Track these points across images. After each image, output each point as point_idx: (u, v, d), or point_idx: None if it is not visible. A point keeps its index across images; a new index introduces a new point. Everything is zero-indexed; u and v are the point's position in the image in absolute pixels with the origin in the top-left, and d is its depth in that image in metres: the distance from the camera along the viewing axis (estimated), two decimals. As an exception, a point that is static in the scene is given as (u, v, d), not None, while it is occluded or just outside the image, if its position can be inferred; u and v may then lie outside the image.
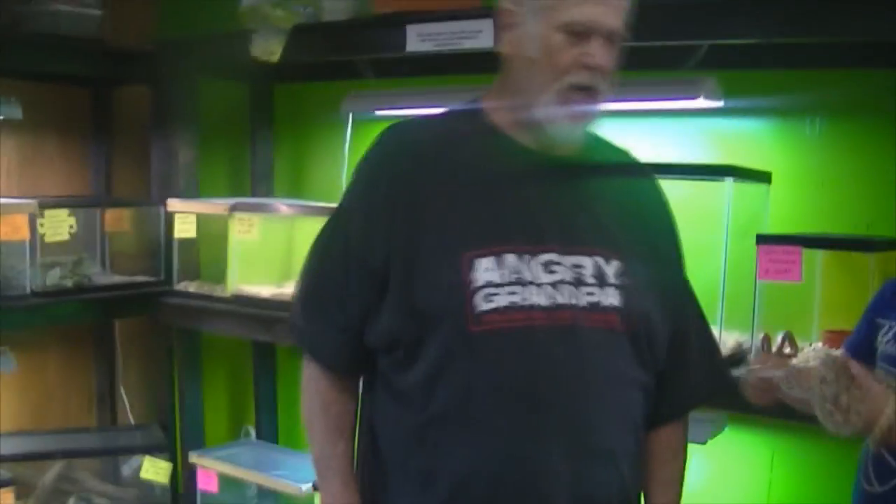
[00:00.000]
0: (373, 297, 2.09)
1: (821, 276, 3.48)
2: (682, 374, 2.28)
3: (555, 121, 2.07)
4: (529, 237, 2.06)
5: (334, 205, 4.62)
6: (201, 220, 4.80)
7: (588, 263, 2.08)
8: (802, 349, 3.46)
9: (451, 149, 2.16)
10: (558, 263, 2.05)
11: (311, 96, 5.26)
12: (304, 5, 4.36)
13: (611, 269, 2.09)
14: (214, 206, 4.68)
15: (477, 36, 3.83)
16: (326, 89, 5.04)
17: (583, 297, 2.05)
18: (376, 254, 2.07)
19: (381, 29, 4.14)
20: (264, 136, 5.25)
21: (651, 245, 2.22)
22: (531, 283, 2.02)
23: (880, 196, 3.65)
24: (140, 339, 5.43)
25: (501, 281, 2.01)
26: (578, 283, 2.06)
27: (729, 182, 3.35)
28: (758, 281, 3.31)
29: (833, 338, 3.47)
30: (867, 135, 3.75)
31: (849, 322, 3.36)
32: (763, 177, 3.60)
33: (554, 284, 2.04)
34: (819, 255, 3.43)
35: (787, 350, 3.40)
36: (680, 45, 3.53)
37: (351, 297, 2.14)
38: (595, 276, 2.07)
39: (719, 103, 3.68)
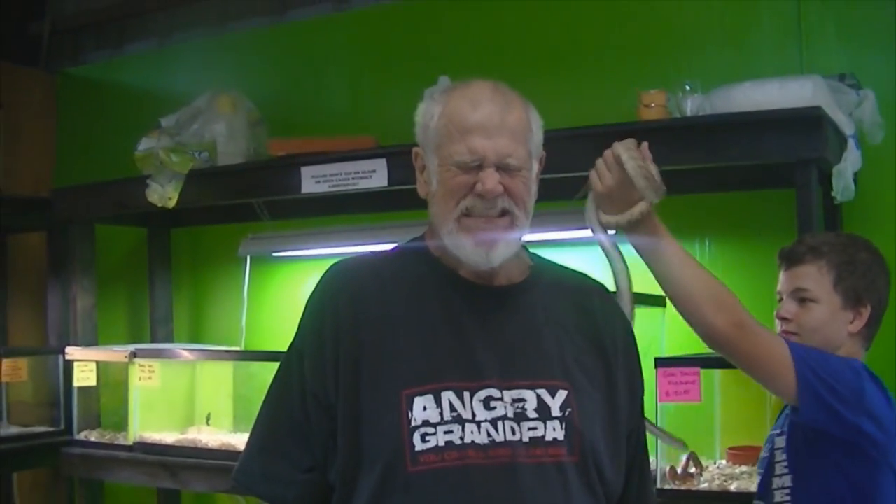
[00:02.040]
0: (332, 434, 2.09)
1: (720, 395, 3.54)
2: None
3: (461, 248, 2.06)
4: (468, 373, 2.02)
5: (235, 348, 4.68)
6: (101, 367, 4.74)
7: (530, 397, 2.04)
8: (707, 467, 3.51)
9: (391, 286, 2.14)
10: (498, 399, 2.02)
11: (208, 239, 5.28)
12: (199, 150, 4.40)
13: (556, 401, 2.05)
14: (114, 353, 4.63)
15: (371, 176, 3.88)
16: (224, 232, 5.06)
17: (524, 433, 2.01)
18: (328, 392, 2.06)
19: (277, 171, 4.20)
20: (163, 280, 5.24)
21: (606, 370, 2.16)
22: (469, 420, 1.99)
23: (772, 311, 3.74)
24: (40, 491, 5.31)
25: (438, 420, 1.98)
26: (520, 418, 2.02)
27: (625, 308, 3.40)
28: (658, 403, 3.35)
29: (736, 454, 3.52)
30: (756, 253, 3.86)
31: (750, 438, 3.43)
32: (658, 301, 3.66)
33: (493, 421, 2.00)
34: (717, 375, 3.49)
35: (693, 470, 3.44)
36: (570, 177, 3.61)
37: (313, 436, 2.10)
38: (538, 410, 2.03)
39: (611, 232, 3.75)
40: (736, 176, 3.79)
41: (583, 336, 2.16)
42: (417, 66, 4.61)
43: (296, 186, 4.07)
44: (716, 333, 2.29)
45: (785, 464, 2.57)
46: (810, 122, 3.17)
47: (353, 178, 3.93)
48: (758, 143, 3.26)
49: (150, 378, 4.46)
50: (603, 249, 2.43)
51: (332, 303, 2.13)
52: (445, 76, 4.03)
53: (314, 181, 4.02)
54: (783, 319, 2.62)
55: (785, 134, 3.19)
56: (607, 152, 2.30)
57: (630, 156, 2.29)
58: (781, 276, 2.67)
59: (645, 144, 2.35)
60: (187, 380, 4.69)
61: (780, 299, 2.67)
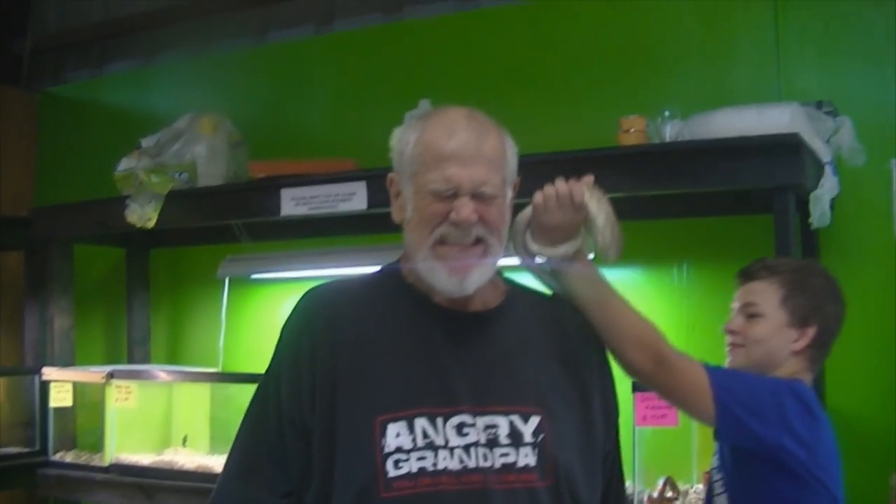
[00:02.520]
0: (309, 459, 2.08)
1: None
2: None
3: (435, 276, 2.08)
4: (442, 399, 2.03)
5: (213, 370, 4.66)
6: (78, 388, 4.72)
7: (503, 423, 2.05)
8: (685, 491, 3.52)
9: (367, 312, 2.15)
10: (471, 425, 2.03)
11: (187, 261, 5.27)
12: (179, 171, 4.39)
13: (529, 426, 2.06)
14: (91, 374, 4.61)
15: (351, 198, 3.89)
16: (203, 253, 5.06)
17: (497, 459, 2.02)
18: (305, 416, 2.07)
19: (256, 193, 4.20)
20: (141, 301, 5.22)
21: (581, 395, 2.17)
22: (442, 447, 2.00)
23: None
24: (15, 513, 5.27)
25: (411, 446, 1.99)
26: (492, 444, 2.03)
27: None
28: (636, 428, 3.36)
29: (712, 479, 3.53)
30: (732, 278, 3.87)
31: (726, 464, 3.43)
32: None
33: (466, 447, 2.01)
34: None
35: (669, 494, 3.45)
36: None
37: (291, 460, 2.11)
38: (510, 436, 2.04)
39: (589, 256, 3.77)
40: (714, 201, 3.81)
41: (558, 361, 2.17)
42: (398, 89, 4.63)
43: (275, 208, 4.08)
44: (636, 371, 2.30)
45: (721, 483, 2.60)
46: (788, 148, 3.19)
47: (332, 201, 3.94)
48: (736, 170, 3.28)
49: (126, 399, 4.45)
50: (531, 271, 2.40)
51: (308, 328, 2.14)
52: (426, 100, 4.04)
53: (294, 203, 4.02)
54: (730, 332, 2.66)
55: (763, 160, 3.21)
56: (563, 188, 2.20)
57: (601, 207, 2.22)
58: (736, 292, 2.71)
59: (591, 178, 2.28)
60: (164, 401, 4.67)
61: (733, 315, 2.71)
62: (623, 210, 3.14)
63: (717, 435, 2.40)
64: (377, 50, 4.89)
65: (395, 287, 2.18)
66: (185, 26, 5.57)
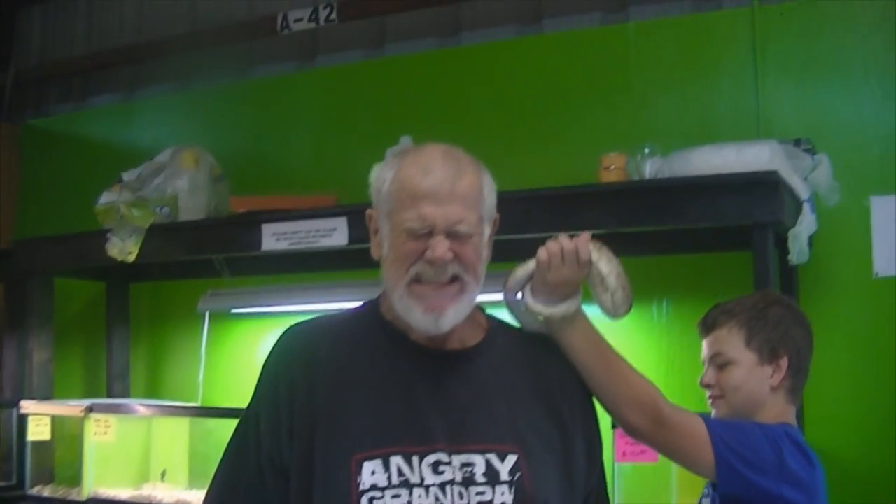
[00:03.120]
0: (287, 497, 2.07)
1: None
2: None
3: (410, 314, 2.07)
4: (418, 438, 2.03)
5: (192, 404, 4.65)
6: (56, 421, 4.69)
7: (479, 462, 2.04)
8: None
9: (345, 349, 2.15)
10: (447, 463, 2.02)
11: (167, 295, 5.27)
12: (160, 205, 4.39)
13: (505, 465, 2.05)
14: (69, 408, 4.59)
15: (332, 234, 3.89)
16: (183, 288, 5.05)
17: (473, 498, 2.01)
18: (283, 455, 2.07)
19: (237, 228, 4.20)
20: (121, 334, 5.21)
21: (562, 436, 2.17)
22: (417, 485, 2.00)
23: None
24: (-9, 549, 5.22)
25: (386, 484, 1.99)
26: (468, 483, 2.02)
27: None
28: (616, 464, 3.35)
29: (692, 513, 3.53)
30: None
31: (705, 498, 3.43)
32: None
33: (441, 486, 2.01)
34: None
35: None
36: (529, 238, 3.64)
37: (269, 498, 2.10)
38: (486, 475, 2.03)
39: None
40: (693, 238, 3.83)
41: (538, 401, 2.16)
42: (380, 125, 4.65)
43: (256, 243, 4.08)
44: (637, 432, 2.30)
45: None
46: (767, 186, 3.21)
47: (313, 236, 3.94)
48: (715, 207, 3.30)
49: (105, 433, 4.43)
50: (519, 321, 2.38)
51: (286, 366, 2.14)
52: (407, 136, 4.06)
53: (275, 238, 4.02)
54: (706, 386, 2.64)
55: (742, 197, 3.23)
56: (569, 245, 2.17)
57: (611, 266, 2.19)
58: (703, 344, 2.69)
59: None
60: (143, 435, 4.65)
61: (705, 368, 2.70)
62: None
63: (717, 487, 2.39)
64: (359, 86, 4.91)
65: (374, 325, 2.18)
66: (168, 60, 5.58)
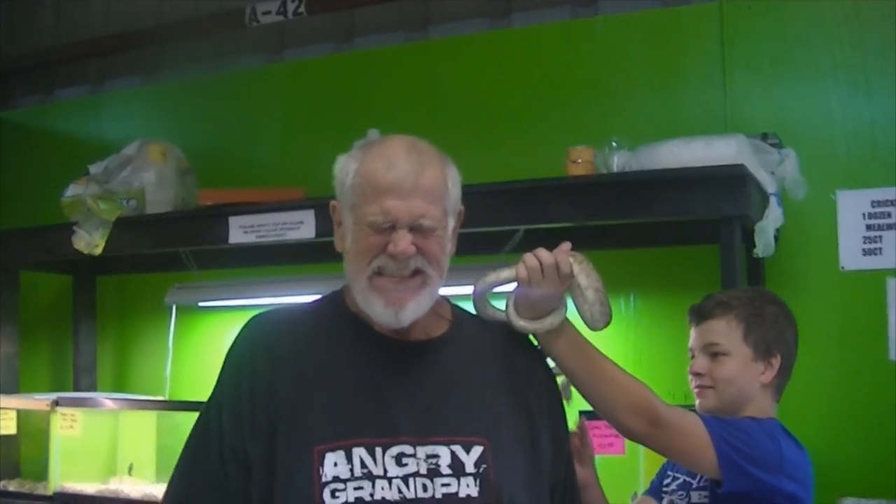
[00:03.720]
0: (249, 488, 2.06)
1: (643, 448, 3.56)
2: None
3: (371, 307, 2.07)
4: (381, 429, 2.03)
5: (160, 398, 4.63)
6: (22, 415, 4.67)
7: (444, 453, 2.04)
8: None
9: (308, 341, 2.15)
10: (411, 455, 2.02)
11: (134, 288, 5.24)
12: (127, 198, 4.37)
13: (471, 456, 2.05)
14: (36, 402, 4.56)
15: (299, 227, 3.89)
16: (150, 281, 5.03)
17: (438, 489, 2.01)
18: (246, 446, 2.06)
19: (204, 221, 4.19)
20: (87, 328, 5.18)
21: (529, 425, 2.17)
22: (380, 476, 1.99)
23: (695, 368, 3.80)
24: (-45, 544, 5.19)
25: (348, 476, 1.98)
26: (433, 474, 2.02)
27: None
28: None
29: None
30: (681, 308, 3.86)
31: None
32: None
33: (405, 478, 2.00)
34: None
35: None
36: (497, 231, 3.65)
37: (231, 489, 2.09)
38: (451, 467, 2.03)
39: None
40: (660, 232, 3.84)
41: (505, 389, 2.16)
42: (348, 118, 4.63)
43: (224, 236, 4.07)
44: (634, 435, 2.31)
45: None
46: (734, 180, 3.23)
47: (280, 229, 3.93)
48: (682, 200, 3.32)
49: (72, 427, 4.41)
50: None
51: (250, 357, 2.14)
52: (375, 130, 4.05)
53: (242, 231, 4.01)
54: (697, 375, 2.63)
55: (709, 191, 3.25)
56: (548, 259, 2.15)
57: (590, 280, 2.18)
58: (692, 332, 2.70)
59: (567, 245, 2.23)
60: (110, 429, 4.63)
61: (692, 356, 2.69)
62: (570, 240, 3.16)
63: (722, 485, 2.37)
64: (327, 79, 4.90)
65: (338, 316, 2.18)
66: (135, 53, 5.55)
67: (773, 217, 3.39)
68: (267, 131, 5.01)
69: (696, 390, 2.65)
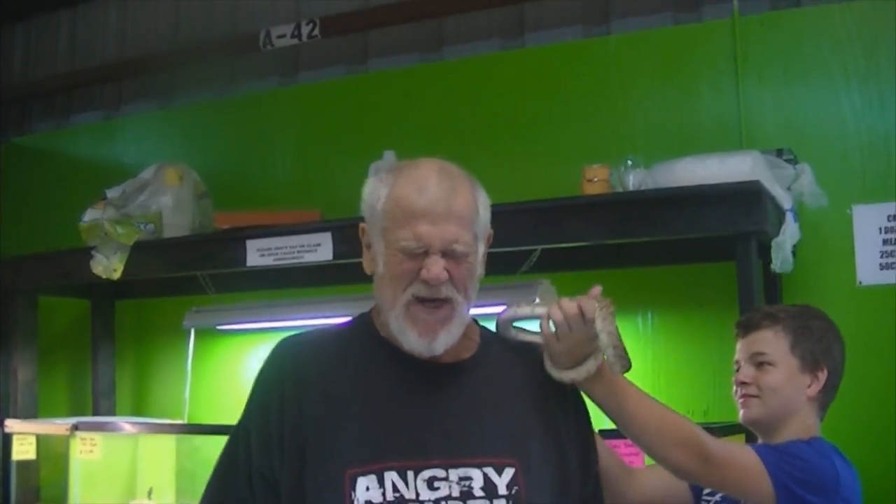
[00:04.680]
0: None
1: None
2: None
3: (405, 335, 2.06)
4: (413, 452, 2.02)
5: (179, 421, 4.63)
6: (41, 440, 4.67)
7: (476, 475, 2.03)
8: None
9: (337, 363, 2.14)
10: (443, 479, 2.01)
11: (152, 312, 5.25)
12: (144, 222, 4.39)
13: (503, 478, 2.04)
14: (55, 426, 4.56)
15: (316, 249, 3.89)
16: (168, 305, 5.04)
17: None
18: (274, 469, 2.05)
19: (222, 244, 4.20)
20: (106, 352, 5.19)
21: (557, 444, 2.16)
22: (412, 500, 1.98)
23: (714, 383, 3.80)
24: (-24, 570, 5.19)
25: (381, 500, 1.97)
26: (466, 496, 2.01)
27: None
28: (602, 474, 3.35)
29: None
30: (697, 325, 3.92)
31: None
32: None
33: (436, 501, 1.99)
34: None
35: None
36: (514, 251, 3.65)
37: None
38: (484, 489, 2.02)
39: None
40: (677, 249, 3.84)
41: (532, 410, 2.16)
42: (362, 140, 4.65)
43: (241, 259, 4.08)
44: (685, 472, 2.29)
45: None
46: (750, 196, 3.23)
47: (298, 252, 3.94)
48: (699, 217, 3.32)
49: (91, 451, 4.41)
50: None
51: (278, 380, 2.13)
52: (391, 151, 4.07)
53: (259, 254, 4.02)
54: (742, 384, 2.60)
55: (725, 208, 3.25)
56: (572, 310, 2.11)
57: (604, 326, 2.11)
58: (739, 344, 2.66)
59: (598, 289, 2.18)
60: (129, 453, 4.64)
61: (738, 367, 2.65)
62: (586, 259, 3.18)
63: None
64: (342, 101, 4.92)
65: (367, 338, 2.18)
66: (151, 78, 5.58)
67: (789, 233, 3.39)
68: (282, 153, 5.03)
69: (740, 400, 2.62)
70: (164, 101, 5.59)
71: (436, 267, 2.01)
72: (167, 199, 4.49)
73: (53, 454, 4.69)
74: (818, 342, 2.59)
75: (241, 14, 5.36)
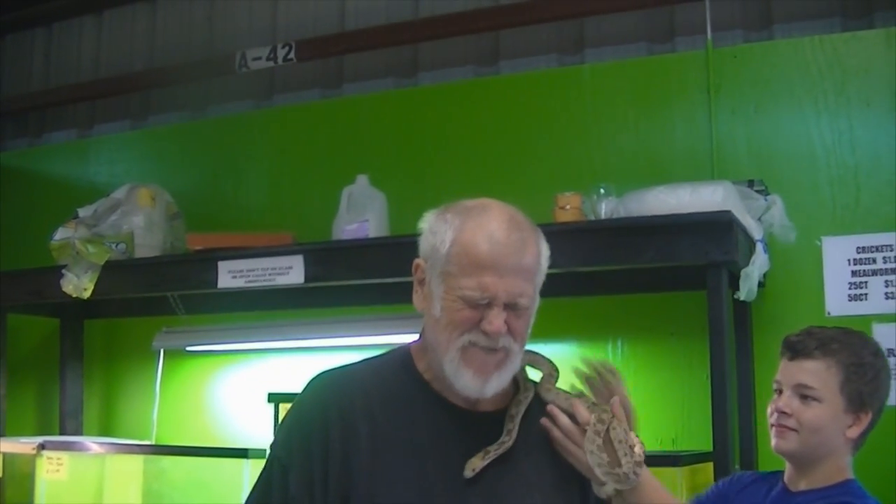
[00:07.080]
0: None
1: (685, 494, 3.56)
2: None
3: (459, 378, 2.04)
4: (453, 501, 2.01)
5: (146, 442, 4.61)
6: (7, 459, 4.63)
7: None
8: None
9: (380, 404, 2.10)
10: None
11: (122, 332, 5.23)
12: (116, 242, 4.38)
13: None
14: (21, 445, 4.53)
15: (288, 272, 3.88)
16: (138, 325, 5.02)
17: None
18: None
19: (193, 266, 4.18)
20: (74, 371, 5.16)
21: (580, 486, 2.16)
22: None
23: (684, 411, 3.83)
24: (-62, 591, 5.14)
25: None
26: None
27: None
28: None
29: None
30: (667, 354, 3.93)
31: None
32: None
33: None
34: (679, 473, 3.46)
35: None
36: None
37: None
38: None
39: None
40: (648, 278, 3.85)
41: (559, 457, 2.16)
42: (336, 164, 4.65)
43: (212, 281, 4.06)
44: None
45: None
46: (721, 226, 3.24)
47: (269, 274, 3.92)
48: (670, 246, 3.32)
49: (58, 471, 4.38)
50: None
51: (321, 417, 2.08)
52: (364, 175, 4.08)
53: (231, 276, 4.01)
54: (782, 413, 2.50)
55: (696, 237, 3.26)
56: (568, 426, 2.13)
57: (588, 444, 2.11)
58: (784, 365, 2.56)
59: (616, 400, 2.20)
60: (96, 473, 4.59)
61: (779, 389, 2.55)
62: (558, 286, 3.17)
63: None
64: (316, 125, 4.92)
65: (409, 381, 2.15)
66: (125, 98, 5.58)
67: (759, 263, 3.41)
68: (256, 176, 5.02)
69: (775, 428, 2.52)
70: (138, 122, 5.59)
71: (497, 320, 1.99)
72: (139, 219, 4.48)
73: (19, 474, 4.65)
74: (869, 383, 2.48)
75: (216, 36, 5.38)
